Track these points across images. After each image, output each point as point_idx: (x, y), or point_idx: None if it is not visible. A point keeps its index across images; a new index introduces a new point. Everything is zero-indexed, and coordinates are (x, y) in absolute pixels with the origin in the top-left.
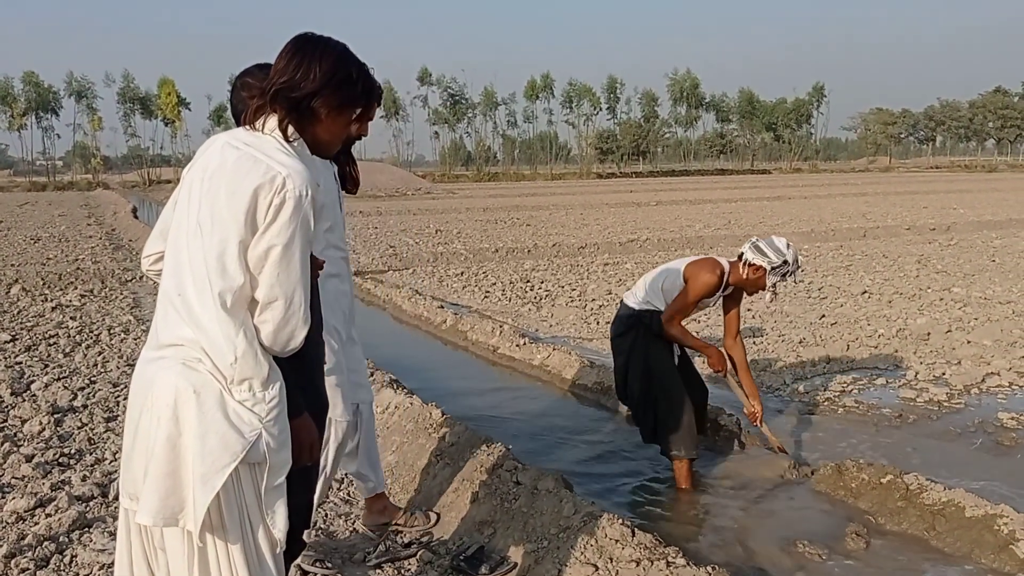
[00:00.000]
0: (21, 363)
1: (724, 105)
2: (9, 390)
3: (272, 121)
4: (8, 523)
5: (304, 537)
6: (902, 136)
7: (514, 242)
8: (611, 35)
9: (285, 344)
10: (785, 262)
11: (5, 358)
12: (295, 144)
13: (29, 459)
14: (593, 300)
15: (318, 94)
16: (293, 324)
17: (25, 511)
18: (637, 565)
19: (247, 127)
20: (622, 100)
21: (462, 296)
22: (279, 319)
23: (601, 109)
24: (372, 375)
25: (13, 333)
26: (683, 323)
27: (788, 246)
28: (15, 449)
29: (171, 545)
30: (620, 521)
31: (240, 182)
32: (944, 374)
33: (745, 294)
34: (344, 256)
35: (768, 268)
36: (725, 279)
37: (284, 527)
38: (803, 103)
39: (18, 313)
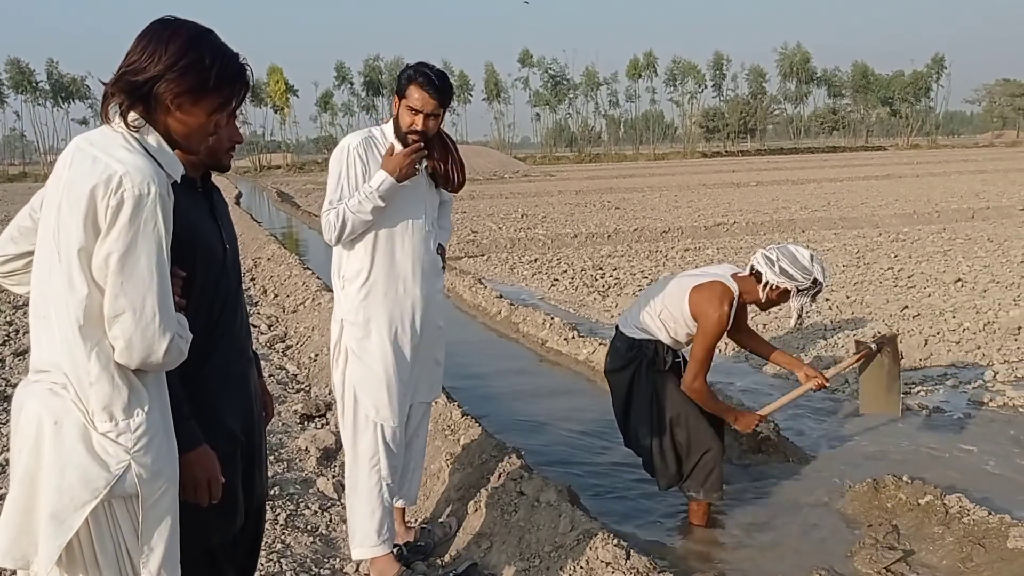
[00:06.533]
0: None
1: (836, 80)
2: None
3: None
4: None
5: None
6: None
7: (597, 227)
8: (716, 10)
9: (143, 360)
10: (816, 281)
11: None
12: (147, 138)
13: None
14: None
15: (162, 78)
16: (149, 337)
17: None
18: None
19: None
20: (728, 77)
21: (530, 283)
22: (129, 333)
23: (706, 87)
24: None
25: None
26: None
27: (813, 259)
28: None
29: None
30: (615, 542)
31: (78, 186)
32: None
33: (759, 308)
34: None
35: (795, 290)
36: (734, 305)
37: (158, 565)
38: (921, 76)
39: None
